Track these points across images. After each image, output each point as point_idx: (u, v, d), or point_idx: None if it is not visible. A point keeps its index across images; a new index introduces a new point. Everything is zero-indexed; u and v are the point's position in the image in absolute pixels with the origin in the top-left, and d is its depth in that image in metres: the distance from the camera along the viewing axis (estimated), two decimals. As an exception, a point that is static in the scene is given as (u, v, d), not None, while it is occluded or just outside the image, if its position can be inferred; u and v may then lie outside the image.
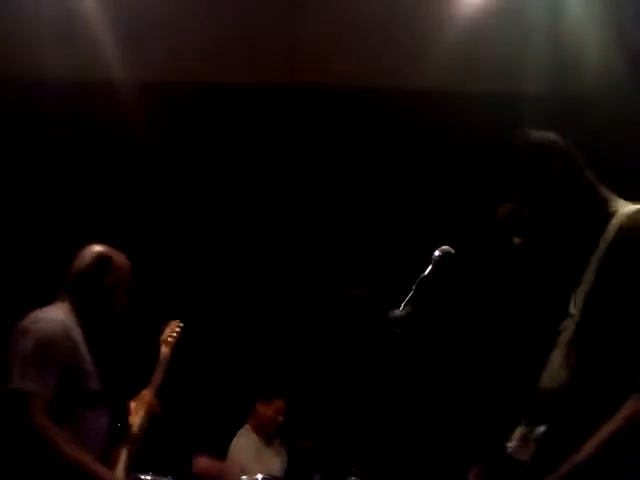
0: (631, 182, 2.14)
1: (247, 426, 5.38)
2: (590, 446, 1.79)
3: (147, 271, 5.61)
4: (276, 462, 5.24)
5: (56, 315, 2.93)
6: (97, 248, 3.12)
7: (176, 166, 5.57)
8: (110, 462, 3.04)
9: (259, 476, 4.63)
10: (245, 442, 5.32)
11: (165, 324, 3.62)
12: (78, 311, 2.99)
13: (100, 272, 3.05)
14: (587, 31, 4.77)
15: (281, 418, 5.33)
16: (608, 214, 1.96)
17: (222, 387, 5.69)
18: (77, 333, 2.93)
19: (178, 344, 3.59)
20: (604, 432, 1.78)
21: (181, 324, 3.63)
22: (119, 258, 3.14)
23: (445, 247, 2.45)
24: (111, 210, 5.56)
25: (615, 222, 1.92)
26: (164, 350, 3.51)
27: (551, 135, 2.10)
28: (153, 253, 5.69)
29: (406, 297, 2.38)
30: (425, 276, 2.40)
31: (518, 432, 1.99)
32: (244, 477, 4.67)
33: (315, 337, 5.76)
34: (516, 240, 2.07)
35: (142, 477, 4.09)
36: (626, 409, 1.77)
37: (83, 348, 2.93)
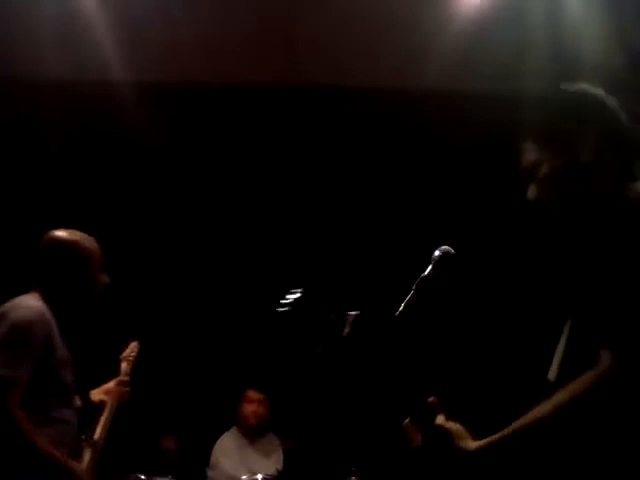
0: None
1: (233, 428, 5.40)
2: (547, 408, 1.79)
3: (142, 270, 5.65)
4: (264, 461, 5.21)
5: (32, 302, 2.93)
6: (63, 235, 3.07)
7: (176, 166, 5.57)
8: (78, 459, 3.02)
9: (259, 476, 4.64)
10: (226, 443, 5.34)
11: (126, 344, 3.63)
12: (50, 300, 2.97)
13: (71, 260, 3.02)
14: (587, 31, 4.77)
15: (254, 406, 5.30)
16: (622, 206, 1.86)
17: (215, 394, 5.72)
18: (52, 321, 2.92)
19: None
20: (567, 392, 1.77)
21: (139, 345, 3.63)
22: (88, 242, 3.09)
23: (445, 247, 2.45)
24: (111, 210, 5.56)
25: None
26: (124, 366, 3.51)
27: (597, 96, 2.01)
28: (152, 251, 5.69)
29: (406, 297, 2.38)
30: (425, 276, 2.39)
31: None
32: (244, 477, 4.67)
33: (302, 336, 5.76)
34: (530, 194, 2.02)
35: (142, 477, 4.10)
36: (599, 364, 1.74)
37: (57, 337, 2.92)
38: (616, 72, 4.70)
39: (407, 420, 2.10)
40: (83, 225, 3.17)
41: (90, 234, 3.15)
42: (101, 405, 3.29)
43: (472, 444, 1.93)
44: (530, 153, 2.02)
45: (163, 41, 4.98)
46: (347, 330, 2.44)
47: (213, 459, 5.25)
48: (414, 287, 2.38)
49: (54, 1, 4.77)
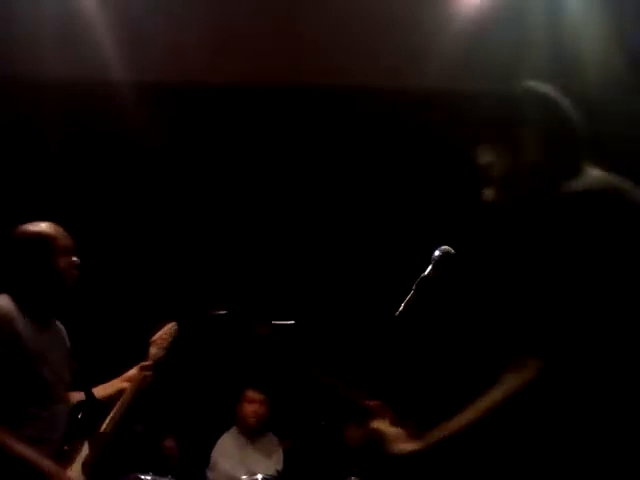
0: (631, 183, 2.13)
1: (233, 428, 5.40)
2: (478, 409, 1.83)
3: (144, 270, 5.65)
4: (263, 461, 5.20)
5: None
6: (23, 227, 3.00)
7: (176, 166, 5.57)
8: (66, 456, 2.92)
9: (259, 476, 4.63)
10: (226, 443, 5.33)
11: (160, 325, 3.47)
12: (18, 295, 2.88)
13: (32, 248, 2.94)
14: (587, 31, 4.77)
15: (255, 406, 5.30)
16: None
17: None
18: (18, 317, 2.83)
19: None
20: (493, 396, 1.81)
21: (177, 327, 3.46)
22: (50, 228, 3.00)
23: (445, 247, 2.45)
24: (111, 210, 5.56)
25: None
26: (152, 351, 3.36)
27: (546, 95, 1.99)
28: (152, 250, 5.69)
29: (406, 297, 2.38)
30: (425, 276, 2.40)
31: None
32: (244, 477, 4.67)
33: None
34: (485, 196, 2.03)
35: (142, 477, 4.08)
36: (523, 369, 1.75)
37: (28, 332, 2.83)
38: (616, 72, 4.71)
39: (348, 423, 2.19)
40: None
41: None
42: (118, 395, 3.18)
43: (406, 447, 1.94)
44: (484, 155, 2.03)
45: (163, 41, 4.98)
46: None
47: (213, 459, 5.25)
48: (414, 287, 2.38)
49: (54, 1, 4.77)
